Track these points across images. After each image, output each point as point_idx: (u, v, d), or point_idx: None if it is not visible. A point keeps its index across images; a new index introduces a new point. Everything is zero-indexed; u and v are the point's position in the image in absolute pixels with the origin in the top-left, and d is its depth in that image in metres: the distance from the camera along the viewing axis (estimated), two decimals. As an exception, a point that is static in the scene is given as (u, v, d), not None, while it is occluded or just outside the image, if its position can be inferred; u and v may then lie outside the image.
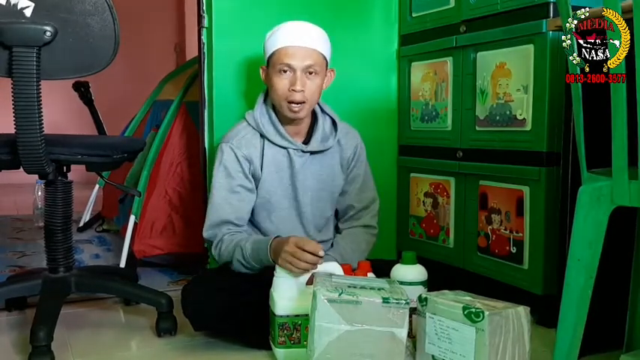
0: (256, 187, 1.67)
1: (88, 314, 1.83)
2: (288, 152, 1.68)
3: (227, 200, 1.63)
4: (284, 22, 1.67)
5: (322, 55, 1.65)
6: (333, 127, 1.76)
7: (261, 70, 1.72)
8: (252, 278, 1.56)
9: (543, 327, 1.61)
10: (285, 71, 1.61)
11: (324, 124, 1.74)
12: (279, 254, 1.45)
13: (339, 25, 1.87)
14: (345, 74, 1.81)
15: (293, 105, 1.62)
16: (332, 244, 1.76)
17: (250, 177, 1.66)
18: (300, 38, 1.61)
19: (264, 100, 1.72)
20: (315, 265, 1.43)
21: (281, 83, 1.62)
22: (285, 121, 1.68)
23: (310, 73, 1.62)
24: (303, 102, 1.62)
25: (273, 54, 1.64)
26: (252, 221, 1.71)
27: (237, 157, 1.64)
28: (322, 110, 1.76)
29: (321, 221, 1.76)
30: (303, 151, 1.69)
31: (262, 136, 1.68)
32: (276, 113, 1.69)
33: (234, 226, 1.64)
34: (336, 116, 1.77)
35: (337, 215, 1.84)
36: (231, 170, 1.64)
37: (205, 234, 1.65)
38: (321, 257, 1.44)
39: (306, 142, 1.72)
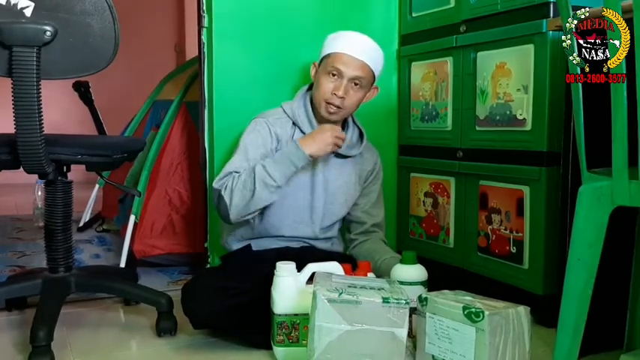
0: None
1: (88, 314, 1.83)
2: None
3: (247, 164, 1.65)
4: (348, 30, 1.74)
5: (372, 71, 1.72)
6: (360, 139, 1.84)
7: (312, 66, 1.78)
8: (252, 278, 1.56)
9: (543, 327, 1.60)
10: (333, 74, 1.69)
11: (353, 133, 1.82)
12: (316, 136, 1.62)
13: (339, 25, 1.87)
14: (345, 74, 1.82)
15: (330, 106, 1.69)
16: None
17: (275, 153, 1.70)
18: (356, 49, 1.69)
19: (305, 94, 1.79)
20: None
21: (326, 84, 1.69)
22: (320, 119, 1.75)
23: (356, 84, 1.70)
24: (340, 108, 1.69)
25: (328, 55, 1.71)
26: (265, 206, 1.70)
27: (270, 131, 1.72)
28: (354, 121, 1.84)
29: (328, 222, 1.80)
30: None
31: (294, 124, 1.75)
32: (313, 110, 1.75)
33: None
34: (364, 131, 1.85)
35: (349, 227, 1.89)
36: (261, 140, 1.71)
37: (216, 184, 1.65)
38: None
39: None
